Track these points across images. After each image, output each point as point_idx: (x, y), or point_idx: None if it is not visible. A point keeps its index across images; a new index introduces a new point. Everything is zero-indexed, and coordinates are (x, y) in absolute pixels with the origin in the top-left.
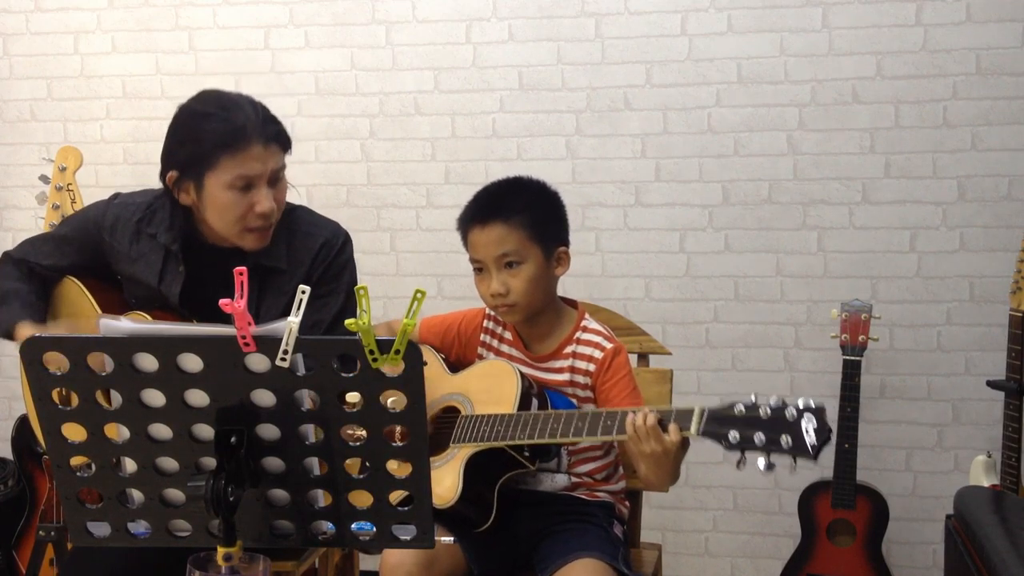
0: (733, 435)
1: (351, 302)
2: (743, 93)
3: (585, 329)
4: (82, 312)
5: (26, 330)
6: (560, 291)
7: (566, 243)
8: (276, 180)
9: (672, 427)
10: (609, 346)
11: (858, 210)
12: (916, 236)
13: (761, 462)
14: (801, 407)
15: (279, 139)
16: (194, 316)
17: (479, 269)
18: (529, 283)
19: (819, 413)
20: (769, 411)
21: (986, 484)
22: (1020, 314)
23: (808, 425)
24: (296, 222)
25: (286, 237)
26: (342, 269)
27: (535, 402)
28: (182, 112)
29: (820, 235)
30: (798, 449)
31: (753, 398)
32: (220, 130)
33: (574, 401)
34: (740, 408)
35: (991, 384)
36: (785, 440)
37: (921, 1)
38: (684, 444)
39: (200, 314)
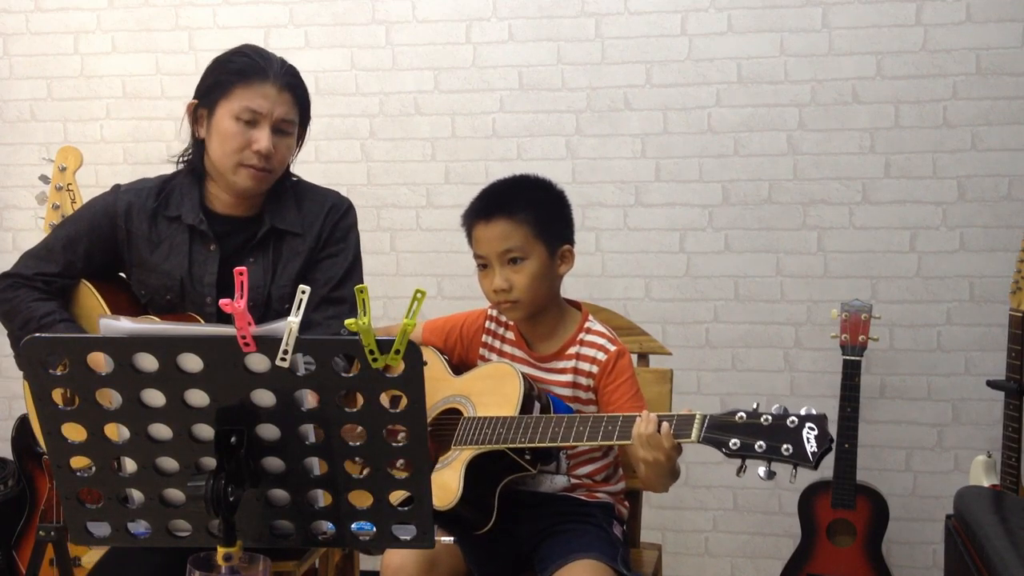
0: (734, 442)
1: (358, 264)
2: (743, 93)
3: (589, 331)
4: (92, 313)
5: None
6: (561, 291)
7: (571, 242)
8: (282, 132)
9: (664, 428)
10: (613, 348)
11: (858, 210)
12: (916, 236)
13: (761, 470)
14: (803, 415)
15: (294, 91)
16: (227, 296)
17: (483, 265)
18: (532, 279)
19: (820, 422)
20: (770, 419)
21: (986, 484)
22: (1020, 314)
23: (809, 433)
24: (302, 191)
25: (295, 203)
26: (348, 230)
27: (537, 405)
28: (221, 54)
29: (820, 235)
30: (799, 457)
31: (755, 405)
32: (241, 64)
33: (573, 407)
34: (741, 415)
35: (991, 384)
36: (786, 448)
37: (921, 1)
38: (680, 446)
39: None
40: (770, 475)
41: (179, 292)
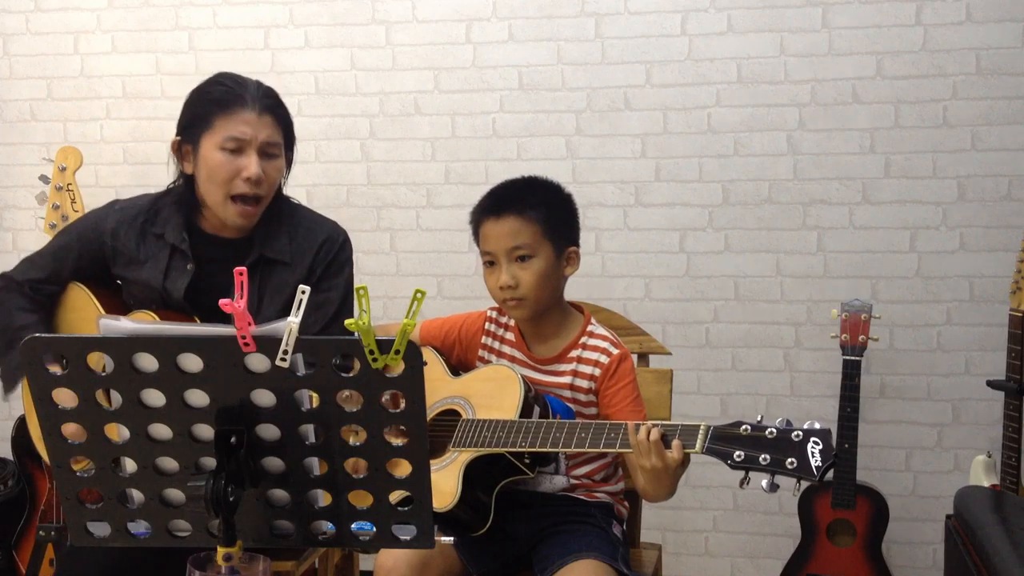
0: (738, 454)
1: (349, 301)
2: (743, 93)
3: (592, 335)
4: (88, 316)
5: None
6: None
7: (577, 244)
8: (268, 155)
9: (675, 444)
10: (616, 352)
11: (858, 210)
12: (916, 236)
13: (764, 482)
14: (807, 429)
15: (274, 112)
16: (199, 309)
17: (490, 263)
18: (539, 277)
19: (825, 436)
20: (775, 432)
21: (986, 484)
22: (1020, 314)
23: (814, 448)
24: (298, 219)
25: (288, 232)
26: (343, 266)
27: (537, 409)
28: (197, 86)
29: (820, 235)
30: (803, 471)
31: (759, 418)
32: (218, 94)
33: (572, 407)
34: (746, 427)
35: (991, 384)
36: (790, 462)
37: (921, 1)
38: (685, 460)
39: (206, 307)
40: (773, 487)
41: (162, 303)
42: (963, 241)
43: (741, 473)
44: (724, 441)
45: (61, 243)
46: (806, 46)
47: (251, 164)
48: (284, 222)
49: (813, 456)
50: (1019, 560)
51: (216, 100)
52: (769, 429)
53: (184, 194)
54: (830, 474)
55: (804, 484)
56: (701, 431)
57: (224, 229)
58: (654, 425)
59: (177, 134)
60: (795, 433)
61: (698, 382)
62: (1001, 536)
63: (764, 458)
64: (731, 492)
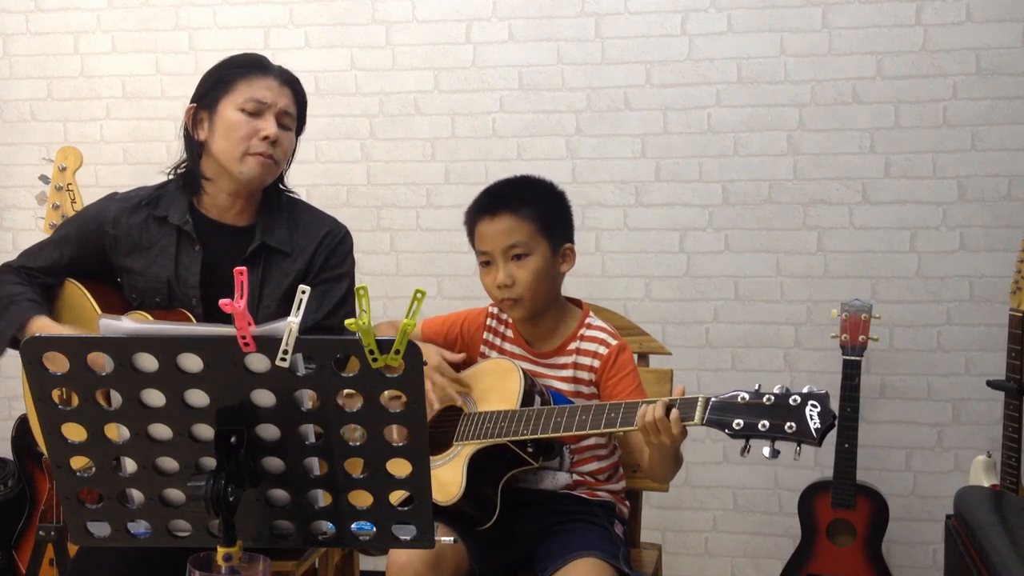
0: (737, 422)
1: (351, 294)
2: (743, 93)
3: (589, 327)
4: (84, 314)
5: (40, 323)
6: (561, 292)
7: (572, 241)
8: (283, 125)
9: (674, 417)
10: (614, 343)
11: (858, 210)
12: (916, 236)
13: (766, 449)
14: (805, 393)
15: (293, 87)
16: (208, 301)
17: (486, 262)
18: (535, 275)
19: (822, 399)
20: (773, 398)
21: (986, 484)
22: (1020, 314)
23: (812, 411)
24: (298, 212)
25: (289, 224)
26: (345, 257)
27: (538, 399)
28: (219, 61)
29: (820, 235)
30: (802, 434)
31: (756, 386)
32: (243, 60)
33: (575, 401)
34: (744, 396)
35: (991, 384)
36: (789, 426)
37: (921, 1)
38: (684, 432)
39: (214, 298)
40: (774, 453)
41: (167, 295)
42: (963, 241)
43: (742, 442)
44: (723, 411)
45: (60, 235)
46: (806, 46)
47: (270, 125)
48: (285, 213)
49: (812, 419)
50: (1019, 560)
51: (239, 65)
52: (767, 396)
53: (188, 175)
54: (829, 470)
55: (803, 448)
56: (700, 403)
57: (226, 213)
58: (654, 402)
59: (192, 102)
60: (793, 398)
61: (698, 382)
62: (1001, 536)
63: (763, 424)
64: (731, 492)
